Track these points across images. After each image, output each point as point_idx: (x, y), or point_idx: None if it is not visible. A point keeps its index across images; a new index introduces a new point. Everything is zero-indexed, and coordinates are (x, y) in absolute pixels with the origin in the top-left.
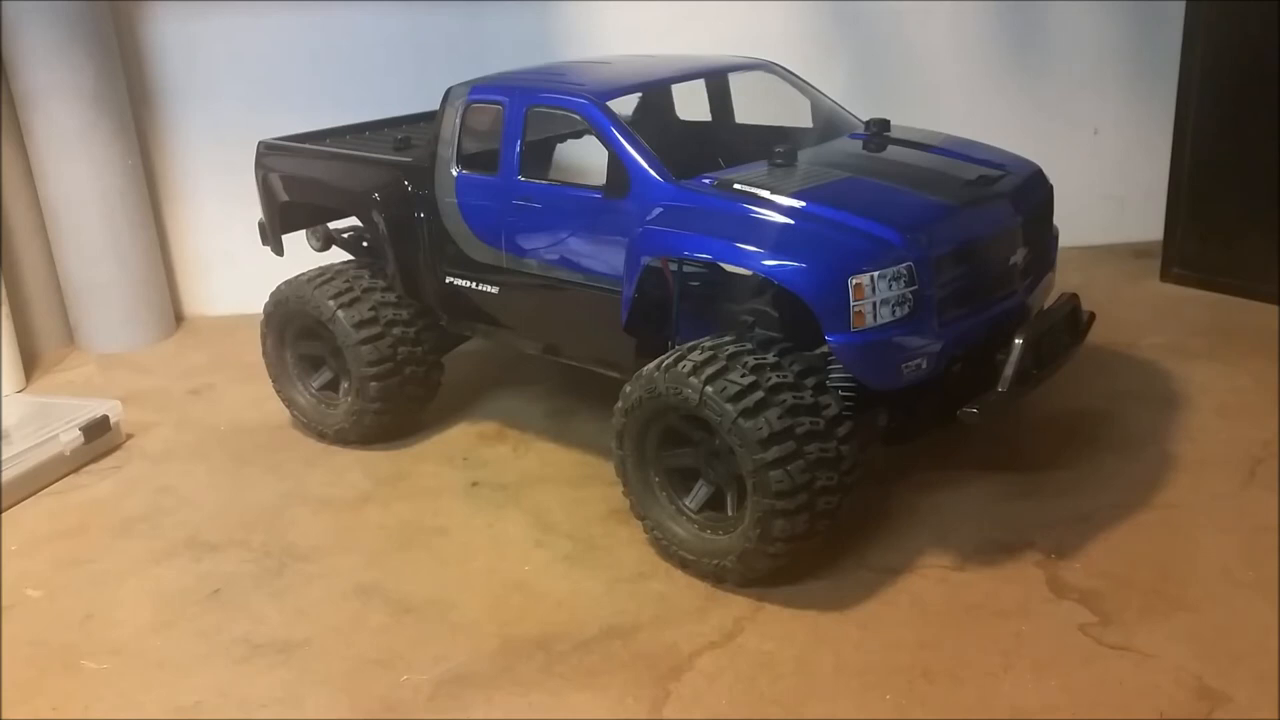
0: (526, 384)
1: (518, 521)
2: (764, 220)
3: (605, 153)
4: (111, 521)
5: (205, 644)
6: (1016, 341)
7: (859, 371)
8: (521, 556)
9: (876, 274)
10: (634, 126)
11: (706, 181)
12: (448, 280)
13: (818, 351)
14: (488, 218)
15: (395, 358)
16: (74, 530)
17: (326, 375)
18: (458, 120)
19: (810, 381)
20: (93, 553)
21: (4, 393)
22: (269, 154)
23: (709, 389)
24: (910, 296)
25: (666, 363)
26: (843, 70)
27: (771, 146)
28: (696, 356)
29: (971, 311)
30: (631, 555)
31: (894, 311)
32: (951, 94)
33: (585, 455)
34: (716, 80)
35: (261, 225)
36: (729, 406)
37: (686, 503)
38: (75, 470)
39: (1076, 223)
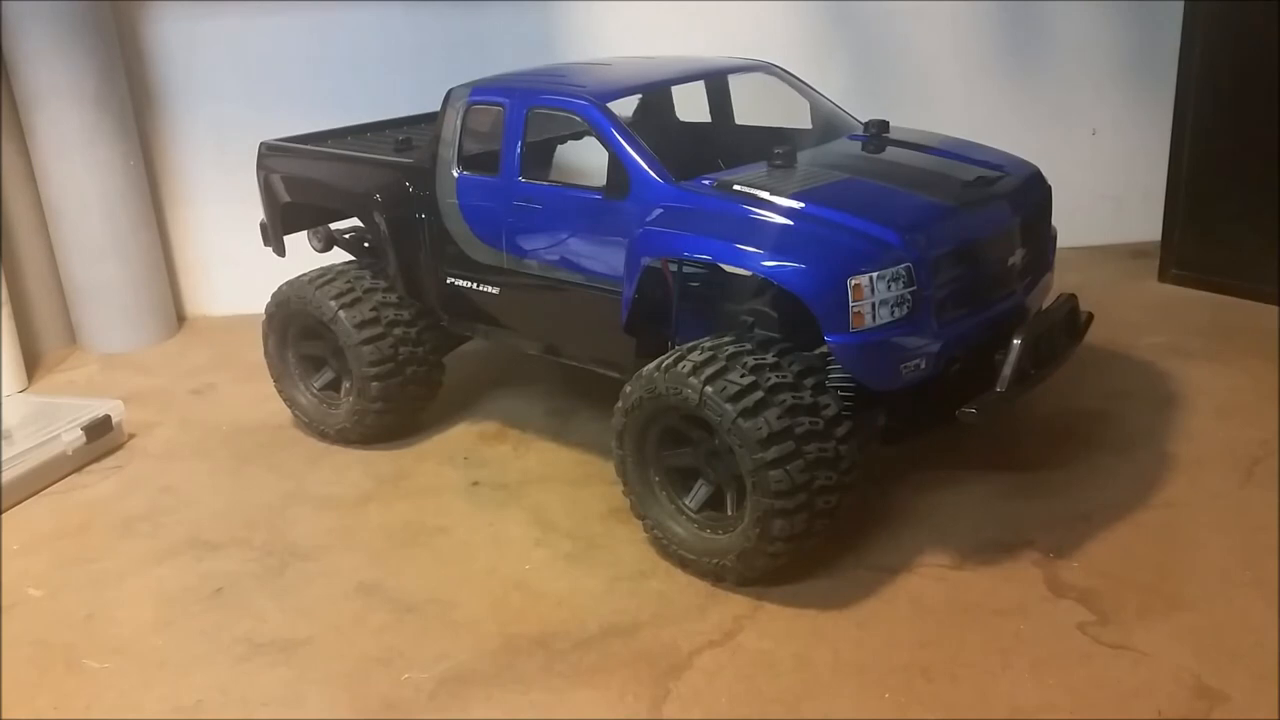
0: (526, 384)
1: (518, 520)
2: (763, 221)
3: (605, 154)
4: (113, 521)
5: (207, 643)
6: (1015, 342)
7: (858, 372)
8: (522, 555)
9: (875, 275)
10: (634, 128)
11: (706, 183)
12: (449, 281)
13: (817, 352)
14: (488, 219)
15: (396, 358)
16: (76, 530)
17: (328, 375)
18: (459, 121)
19: (809, 381)
20: (94, 552)
21: (6, 392)
22: (270, 155)
23: (709, 389)
24: (909, 297)
25: (666, 363)
26: (842, 71)
27: (771, 148)
28: (696, 356)
29: (970, 312)
30: (631, 554)
31: (893, 312)
32: (951, 94)
33: (585, 455)
34: (716, 82)
35: (263, 226)
36: (729, 406)
37: (686, 502)
38: (77, 470)
39: (1075, 223)
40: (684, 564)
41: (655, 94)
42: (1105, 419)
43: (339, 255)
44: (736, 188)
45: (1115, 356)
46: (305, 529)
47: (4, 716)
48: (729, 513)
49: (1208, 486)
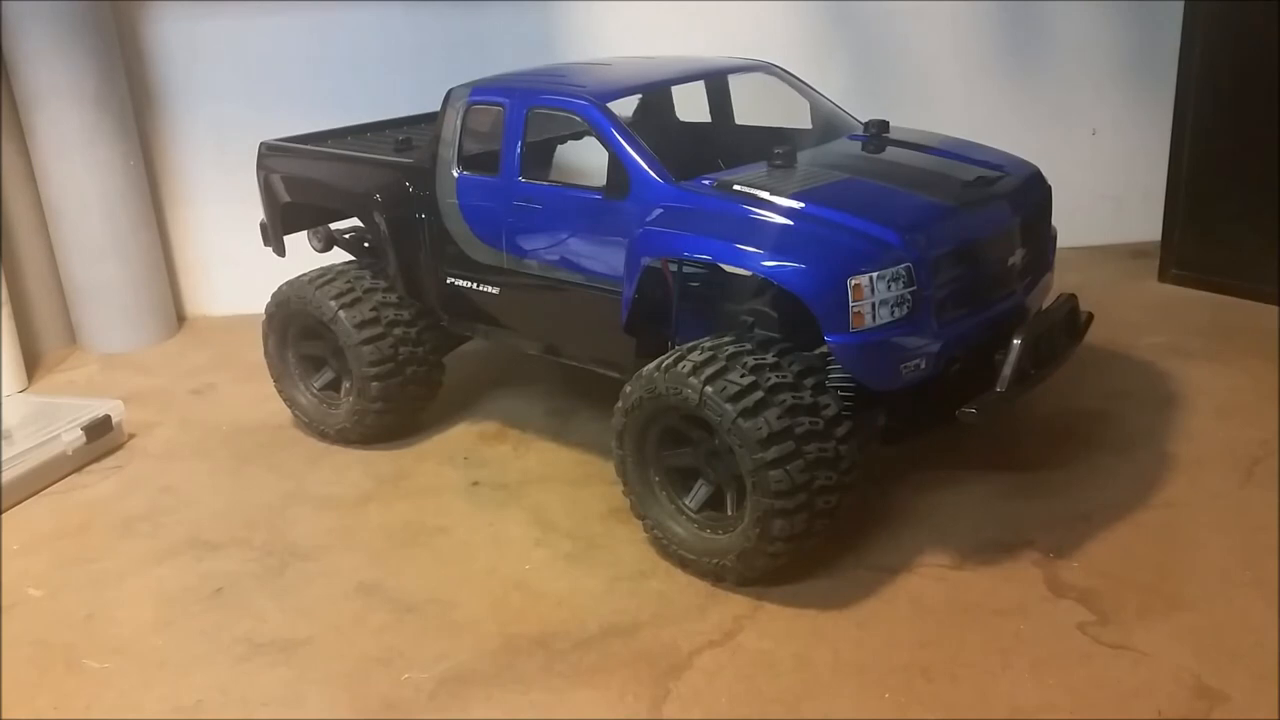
0: (526, 384)
1: (518, 520)
2: (763, 221)
3: (605, 154)
4: (113, 521)
5: (207, 643)
6: (1015, 342)
7: (858, 372)
8: (522, 555)
9: (875, 275)
10: (634, 128)
11: (706, 183)
12: (449, 281)
13: (817, 352)
14: (488, 219)
15: (396, 358)
16: (76, 529)
17: (328, 375)
18: (459, 121)
19: (809, 381)
20: (94, 552)
21: (6, 392)
22: (271, 155)
23: (709, 389)
24: (909, 297)
25: (666, 363)
26: (842, 71)
27: (771, 148)
28: (696, 356)
29: (970, 312)
30: (631, 554)
31: (893, 312)
32: (951, 94)
33: (585, 455)
34: (716, 82)
35: (263, 226)
36: (729, 406)
37: (686, 502)
38: (77, 470)
39: (1075, 223)
40: (684, 564)
41: (655, 94)
42: (1105, 419)
43: (339, 255)
44: (736, 188)
45: (1115, 356)
46: (305, 529)
47: (4, 716)
48: (729, 513)
49: (1208, 486)
